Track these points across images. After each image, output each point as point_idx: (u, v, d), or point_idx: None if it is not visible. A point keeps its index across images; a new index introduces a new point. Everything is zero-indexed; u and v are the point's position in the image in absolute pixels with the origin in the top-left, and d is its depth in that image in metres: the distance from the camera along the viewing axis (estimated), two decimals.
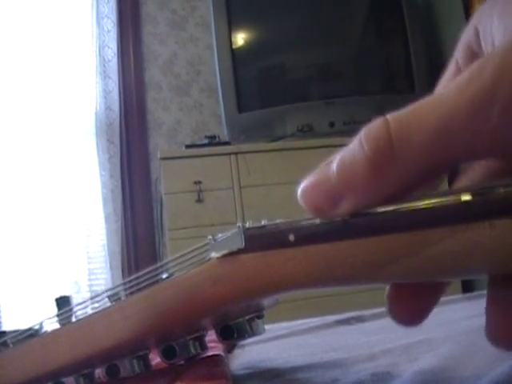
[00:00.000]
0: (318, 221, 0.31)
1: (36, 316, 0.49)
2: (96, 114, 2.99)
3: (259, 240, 0.33)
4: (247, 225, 0.35)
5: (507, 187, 0.26)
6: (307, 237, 0.31)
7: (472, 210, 0.26)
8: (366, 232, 0.29)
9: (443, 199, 0.27)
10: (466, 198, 0.27)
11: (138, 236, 2.97)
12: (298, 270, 0.32)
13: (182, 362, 0.49)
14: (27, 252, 2.79)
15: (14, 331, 0.46)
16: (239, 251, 0.34)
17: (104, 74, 3.02)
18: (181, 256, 0.38)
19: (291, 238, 0.32)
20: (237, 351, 0.67)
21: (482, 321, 0.57)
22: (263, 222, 0.34)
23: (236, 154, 2.56)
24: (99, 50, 3.02)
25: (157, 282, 0.40)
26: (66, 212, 2.88)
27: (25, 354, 0.45)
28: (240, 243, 0.34)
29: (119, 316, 0.41)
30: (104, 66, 3.03)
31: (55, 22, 3.00)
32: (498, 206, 0.26)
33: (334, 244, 0.30)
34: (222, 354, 0.53)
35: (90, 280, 2.86)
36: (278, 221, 0.34)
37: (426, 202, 0.28)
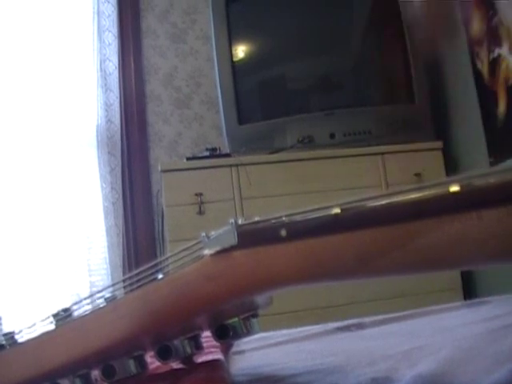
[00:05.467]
0: (309, 215, 0.31)
1: (36, 321, 0.49)
2: (97, 126, 2.99)
3: (252, 236, 0.33)
4: (240, 221, 0.35)
5: (495, 176, 0.26)
6: (299, 231, 0.31)
7: (459, 201, 0.27)
8: (354, 225, 0.29)
9: (431, 191, 0.28)
10: (455, 189, 0.27)
11: (139, 248, 2.96)
12: (289, 266, 0.32)
13: (182, 366, 0.49)
14: (28, 264, 2.78)
15: (10, 333, 0.47)
16: (232, 248, 0.34)
17: (105, 87, 3.03)
18: (175, 254, 0.38)
19: (283, 233, 0.32)
20: (237, 357, 0.67)
21: (482, 327, 0.58)
22: (256, 218, 0.35)
23: (237, 165, 2.56)
24: (100, 64, 3.03)
25: (152, 281, 0.40)
26: (68, 225, 2.88)
27: (20, 356, 0.45)
28: (233, 240, 0.34)
29: (114, 316, 0.41)
30: (105, 79, 3.04)
31: (56, 36, 3.01)
32: (485, 197, 0.26)
33: (324, 239, 0.30)
34: (222, 358, 0.53)
35: (91, 293, 2.85)
36: (270, 217, 0.34)
37: (414, 194, 0.28)
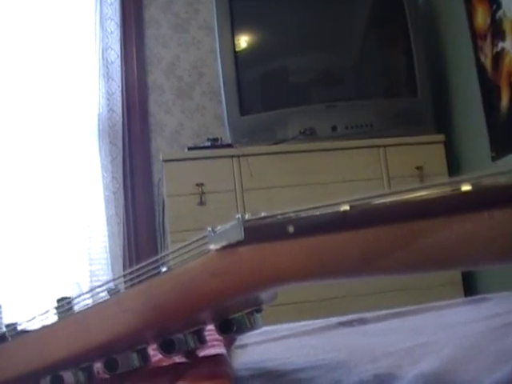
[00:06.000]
0: (317, 212, 0.31)
1: (36, 314, 0.49)
2: (99, 115, 2.98)
3: (258, 232, 0.33)
4: (246, 216, 0.35)
5: (505, 175, 0.25)
6: (306, 228, 0.31)
7: (471, 201, 0.26)
8: (363, 223, 0.28)
9: (442, 189, 0.27)
10: (467, 188, 0.26)
11: (140, 238, 2.96)
12: (295, 263, 0.31)
13: (184, 360, 0.49)
14: (29, 253, 2.78)
15: (12, 324, 0.46)
16: (238, 243, 0.34)
17: (107, 76, 3.02)
18: (180, 248, 0.38)
19: (290, 229, 0.31)
20: (239, 350, 0.66)
21: (483, 325, 0.57)
22: (262, 214, 0.34)
23: (238, 156, 2.56)
24: (102, 52, 3.02)
25: (156, 274, 0.40)
26: (68, 214, 2.88)
27: (22, 348, 0.44)
28: (239, 235, 0.34)
29: (117, 309, 0.41)
30: (107, 67, 3.03)
31: (59, 24, 3.00)
32: (498, 196, 0.26)
33: (329, 237, 0.30)
34: (225, 352, 0.53)
35: (91, 281, 2.85)
36: (276, 212, 0.33)
37: (424, 192, 0.27)
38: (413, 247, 0.27)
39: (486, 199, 0.26)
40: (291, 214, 0.32)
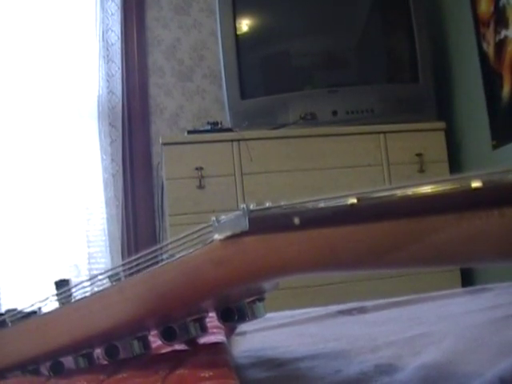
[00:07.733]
0: (323, 204, 0.31)
1: (36, 299, 0.49)
2: (98, 97, 2.97)
3: (263, 223, 0.33)
4: (251, 207, 0.34)
5: None
6: (313, 220, 0.30)
7: (481, 198, 0.26)
8: (371, 217, 0.28)
9: (452, 185, 0.27)
10: (477, 184, 0.26)
11: (138, 221, 2.96)
12: (300, 255, 0.31)
13: (184, 348, 0.49)
14: (28, 235, 2.78)
15: (12, 310, 0.46)
16: (242, 233, 0.33)
17: (107, 58, 3.00)
18: (183, 237, 0.38)
19: (296, 221, 0.31)
20: (238, 338, 0.66)
21: (484, 316, 0.57)
22: (267, 204, 0.34)
23: (238, 140, 2.55)
24: (103, 34, 3.00)
25: (157, 262, 0.40)
26: (67, 196, 2.87)
27: (23, 334, 0.44)
28: (244, 225, 0.33)
29: (119, 297, 0.40)
30: (107, 49, 3.01)
31: (59, 5, 2.97)
32: (509, 194, 0.25)
33: (338, 229, 0.29)
34: (225, 340, 0.53)
35: (89, 264, 2.86)
36: (282, 203, 0.33)
37: (434, 187, 0.27)
38: (424, 243, 0.27)
39: (496, 197, 0.26)
40: (297, 205, 0.31)
